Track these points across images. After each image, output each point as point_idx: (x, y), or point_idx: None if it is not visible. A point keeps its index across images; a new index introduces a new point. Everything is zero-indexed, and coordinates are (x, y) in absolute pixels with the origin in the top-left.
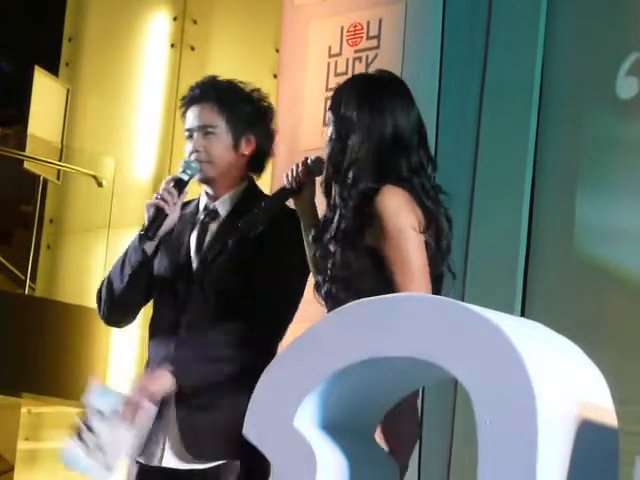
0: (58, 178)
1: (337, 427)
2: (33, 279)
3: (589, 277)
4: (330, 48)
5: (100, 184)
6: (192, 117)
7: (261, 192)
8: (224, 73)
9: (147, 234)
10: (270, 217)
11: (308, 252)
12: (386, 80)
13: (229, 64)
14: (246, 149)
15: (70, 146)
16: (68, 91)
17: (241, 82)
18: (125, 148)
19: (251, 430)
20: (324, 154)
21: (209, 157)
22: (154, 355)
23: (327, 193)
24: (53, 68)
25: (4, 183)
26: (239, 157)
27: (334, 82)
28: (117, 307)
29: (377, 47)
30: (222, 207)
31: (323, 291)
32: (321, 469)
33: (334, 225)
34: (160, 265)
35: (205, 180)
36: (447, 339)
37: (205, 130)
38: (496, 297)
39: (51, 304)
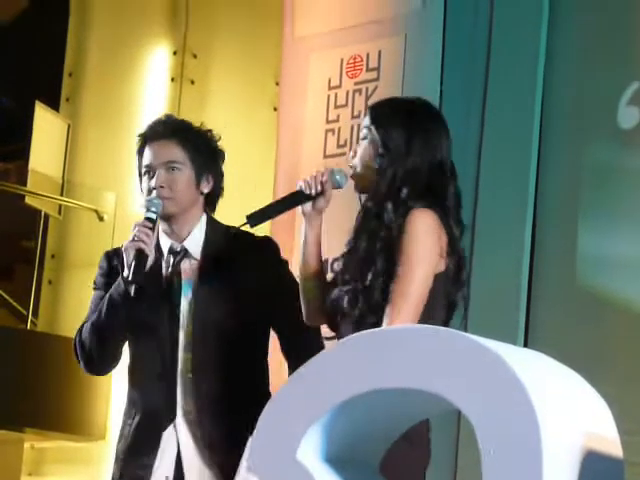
0: (59, 213)
1: (340, 459)
2: (35, 314)
3: (591, 307)
4: (330, 80)
5: (101, 218)
6: (153, 153)
7: (223, 226)
8: (224, 106)
9: (135, 279)
10: (279, 214)
11: (306, 264)
12: (430, 107)
13: (229, 97)
14: (205, 187)
15: (71, 181)
16: (69, 126)
17: (193, 122)
18: (126, 182)
19: (255, 462)
20: (352, 167)
21: (172, 193)
22: (144, 399)
23: (379, 208)
24: (54, 103)
25: (5, 218)
26: (199, 194)
27: (334, 114)
28: (109, 355)
29: (377, 79)
30: (192, 247)
31: (345, 302)
32: None
33: (377, 238)
34: (140, 310)
35: (166, 217)
36: (450, 370)
37: (169, 166)
38: (498, 328)
39: (53, 339)
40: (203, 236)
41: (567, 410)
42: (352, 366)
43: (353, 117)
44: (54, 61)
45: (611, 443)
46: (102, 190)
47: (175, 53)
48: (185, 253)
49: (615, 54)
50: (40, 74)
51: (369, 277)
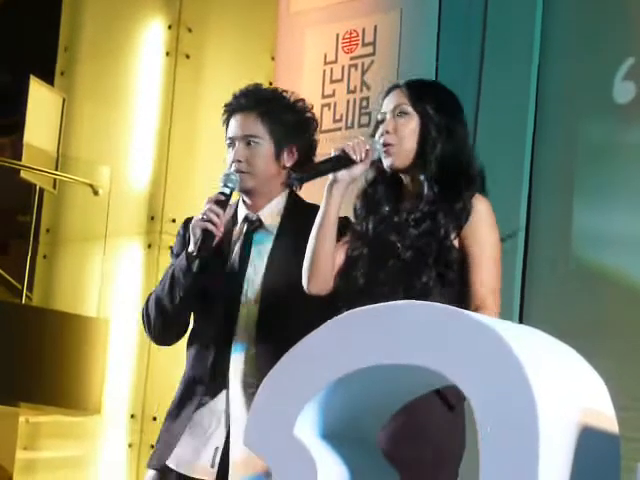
0: (54, 187)
1: (338, 435)
2: (30, 288)
3: (587, 283)
4: (326, 55)
5: (96, 193)
6: (235, 126)
7: (305, 203)
8: (219, 81)
9: (199, 255)
10: (322, 175)
11: (323, 233)
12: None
13: (225, 72)
14: (288, 160)
15: (66, 155)
16: (64, 100)
17: (285, 91)
18: (121, 156)
19: (252, 439)
20: (384, 145)
21: (250, 168)
22: (190, 367)
23: (430, 183)
24: (49, 77)
25: (0, 193)
26: (280, 168)
27: (330, 89)
28: (169, 327)
29: (373, 54)
30: (268, 219)
31: (403, 277)
32: (321, 477)
33: (440, 220)
34: (206, 279)
35: (244, 190)
36: (447, 346)
37: (247, 140)
38: None
39: (48, 313)
40: (281, 210)
41: (563, 386)
42: (348, 342)
43: (349, 92)
44: (49, 35)
45: (607, 419)
46: (97, 164)
47: (170, 27)
48: (260, 224)
49: (610, 30)
50: (35, 48)
51: (442, 254)
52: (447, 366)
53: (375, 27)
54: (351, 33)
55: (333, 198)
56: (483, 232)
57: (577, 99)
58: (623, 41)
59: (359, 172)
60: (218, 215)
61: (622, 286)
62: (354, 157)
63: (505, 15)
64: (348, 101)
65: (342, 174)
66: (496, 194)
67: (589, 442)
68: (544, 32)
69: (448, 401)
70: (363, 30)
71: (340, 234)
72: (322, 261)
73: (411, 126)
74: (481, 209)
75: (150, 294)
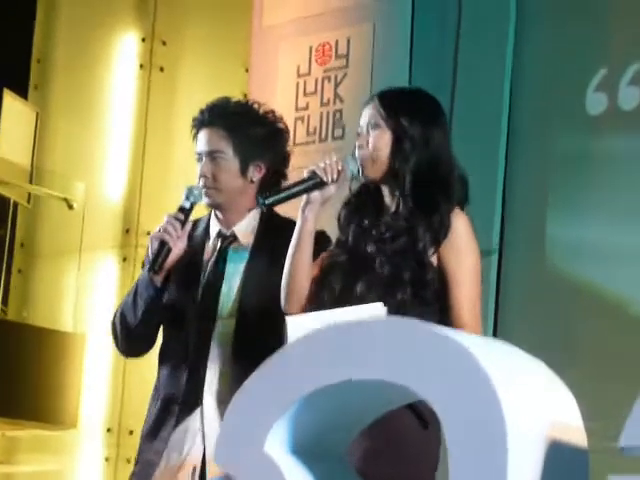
0: (28, 201)
1: (308, 451)
2: (5, 303)
3: (560, 293)
4: (299, 68)
5: (71, 207)
6: (201, 141)
7: (280, 217)
8: (194, 94)
9: (153, 268)
10: (293, 198)
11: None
12: (437, 101)
13: (199, 85)
14: (255, 175)
15: (40, 169)
16: (37, 114)
17: (255, 103)
18: (96, 170)
19: (222, 455)
20: (372, 157)
21: (216, 184)
22: (167, 384)
23: (406, 200)
24: (22, 90)
25: None
26: (247, 183)
27: (304, 102)
28: (134, 340)
29: (346, 66)
30: (242, 234)
31: (375, 295)
32: None
33: (419, 231)
34: (173, 294)
35: (213, 206)
36: (416, 361)
37: (212, 155)
38: None
39: (24, 328)
40: (256, 225)
41: (532, 400)
42: (317, 358)
43: (322, 104)
44: (22, 48)
45: (576, 433)
46: (71, 179)
47: (144, 40)
48: (234, 239)
49: (583, 40)
50: (8, 61)
51: (419, 271)
52: (415, 381)
53: (348, 39)
54: (324, 45)
55: (307, 220)
56: (462, 249)
57: (550, 110)
58: (596, 52)
59: (331, 192)
60: (175, 228)
61: (595, 296)
62: (325, 179)
63: (478, 27)
64: (322, 114)
65: (314, 195)
66: (470, 207)
67: (558, 456)
68: (517, 44)
69: (423, 418)
70: (336, 42)
71: (318, 249)
72: (298, 281)
73: (384, 139)
74: (460, 225)
75: (118, 307)
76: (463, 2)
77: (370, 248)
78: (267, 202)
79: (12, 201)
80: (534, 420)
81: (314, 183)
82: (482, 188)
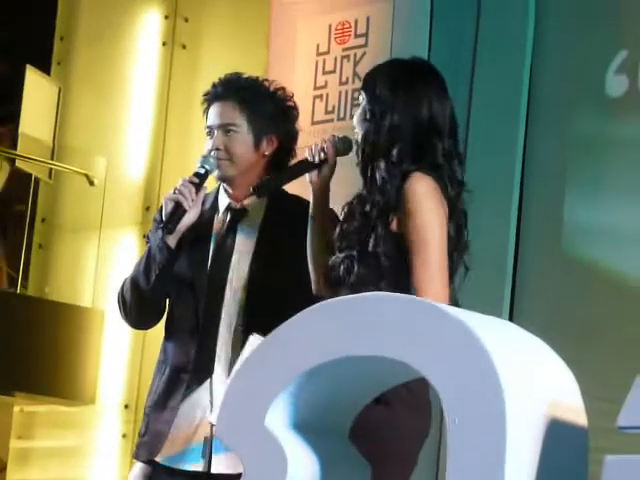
0: (50, 177)
1: (309, 427)
2: (25, 278)
3: (578, 276)
4: (318, 46)
5: (92, 183)
6: (213, 114)
7: (289, 194)
8: (216, 71)
9: (167, 227)
10: (285, 184)
11: (314, 233)
12: (423, 68)
13: (221, 62)
14: (267, 149)
15: (62, 145)
16: (60, 90)
17: (265, 80)
18: (117, 147)
19: (223, 430)
20: (355, 134)
21: (229, 155)
22: (176, 353)
23: (364, 172)
24: (45, 67)
25: None
26: (260, 157)
27: (322, 80)
28: (146, 308)
29: (365, 45)
30: (252, 208)
31: (341, 269)
32: (292, 469)
33: (370, 203)
34: (182, 264)
35: (224, 178)
36: (416, 338)
37: (226, 128)
38: (484, 297)
39: (43, 303)
40: (265, 199)
41: (532, 378)
42: (318, 334)
43: (341, 83)
44: (45, 25)
45: (576, 411)
46: (93, 154)
47: (167, 17)
48: (244, 212)
49: (603, 22)
50: (31, 38)
51: (370, 244)
52: (416, 358)
53: (368, 18)
54: (344, 24)
55: (313, 198)
56: (413, 211)
57: (570, 92)
58: (616, 34)
59: (327, 171)
60: (190, 190)
61: (612, 279)
62: (311, 159)
63: (498, 7)
64: (340, 92)
65: (312, 176)
66: (488, 185)
67: (557, 434)
68: (537, 26)
69: (379, 398)
70: (356, 21)
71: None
72: (319, 263)
73: (360, 116)
74: (413, 187)
75: (125, 278)
76: None
77: (342, 225)
78: (260, 192)
79: (33, 177)
80: (533, 398)
81: (303, 167)
82: (500, 171)
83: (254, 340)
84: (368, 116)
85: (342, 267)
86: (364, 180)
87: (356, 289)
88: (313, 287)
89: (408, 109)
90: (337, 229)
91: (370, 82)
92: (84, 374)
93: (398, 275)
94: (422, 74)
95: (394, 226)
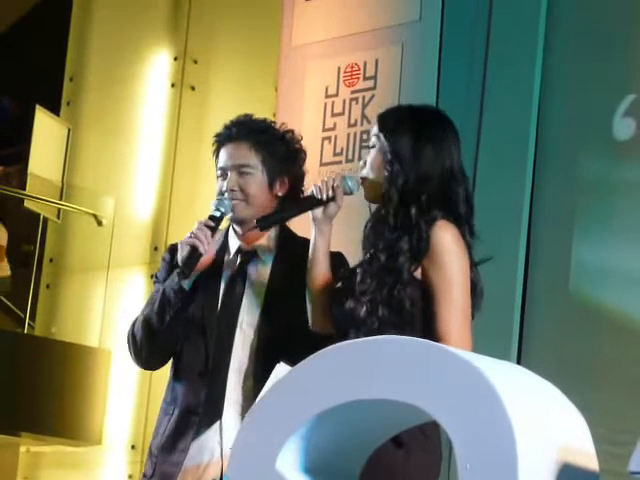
0: (58, 217)
1: (319, 469)
2: (32, 318)
3: (585, 318)
4: (327, 88)
5: (100, 223)
6: (226, 155)
7: (296, 235)
8: (224, 113)
9: (183, 272)
10: (290, 219)
11: (314, 270)
12: (442, 116)
13: (229, 104)
14: (280, 190)
15: (70, 185)
16: (69, 130)
17: (273, 122)
18: (125, 187)
19: (234, 473)
20: (363, 173)
21: (245, 196)
22: (186, 395)
23: (394, 216)
24: (54, 107)
25: (6, 222)
26: (273, 198)
27: (331, 122)
28: (157, 349)
29: (374, 88)
30: (263, 250)
31: (362, 311)
32: None
33: (399, 248)
34: (193, 305)
35: (239, 220)
36: (429, 382)
37: (241, 169)
38: (492, 338)
39: (50, 343)
40: (274, 241)
41: (543, 423)
42: (331, 377)
43: (350, 125)
44: (55, 65)
45: (587, 456)
46: (101, 195)
47: (176, 59)
48: (254, 255)
49: (611, 66)
50: (41, 78)
51: (396, 289)
52: (428, 401)
53: (376, 61)
54: (352, 67)
55: (314, 236)
56: (439, 261)
57: (577, 135)
58: (624, 78)
59: (333, 209)
60: (205, 234)
61: (619, 321)
62: (319, 197)
63: (507, 48)
64: (349, 134)
65: (315, 214)
66: (496, 227)
67: (568, 479)
68: (545, 66)
69: (395, 439)
70: (364, 64)
71: (334, 269)
72: (316, 299)
73: (377, 158)
74: (440, 236)
75: (136, 318)
76: (492, 26)
77: (364, 267)
78: (264, 225)
79: (42, 217)
80: (545, 443)
81: (310, 203)
82: (508, 212)
83: (280, 368)
84: (392, 160)
85: (364, 309)
86: (392, 224)
87: (379, 332)
88: (310, 323)
89: (435, 159)
90: (359, 272)
91: (391, 126)
92: (90, 414)
93: (422, 321)
94: (443, 122)
95: (417, 272)
